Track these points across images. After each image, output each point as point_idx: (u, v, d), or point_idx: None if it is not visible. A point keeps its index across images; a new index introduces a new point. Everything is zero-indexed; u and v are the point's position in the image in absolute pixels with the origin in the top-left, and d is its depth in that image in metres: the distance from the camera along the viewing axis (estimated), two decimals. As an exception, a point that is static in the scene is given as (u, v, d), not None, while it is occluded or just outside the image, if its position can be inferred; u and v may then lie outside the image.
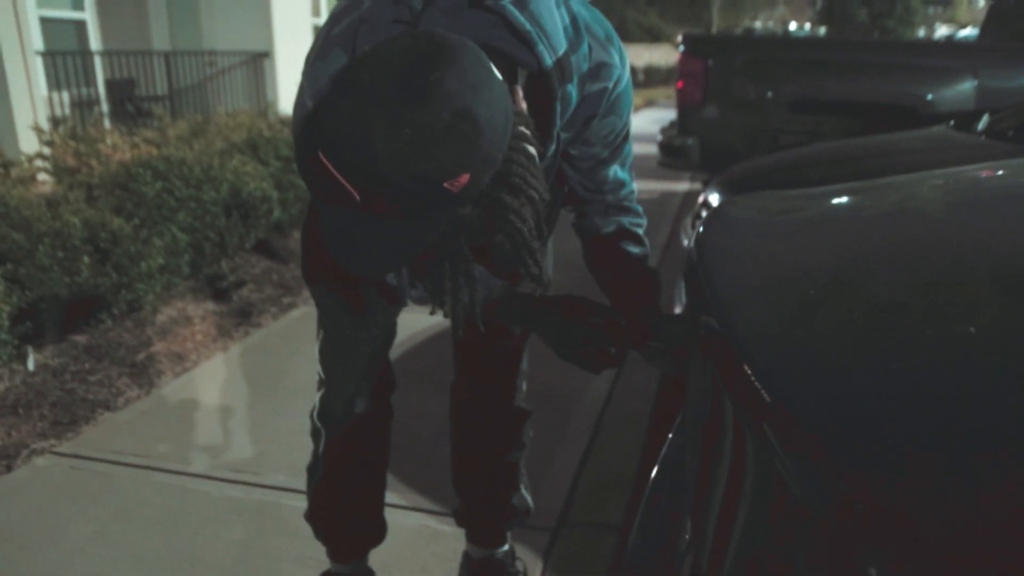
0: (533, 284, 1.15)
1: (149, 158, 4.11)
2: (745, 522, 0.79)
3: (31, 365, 2.94)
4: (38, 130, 4.90)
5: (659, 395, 2.80)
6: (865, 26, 25.51)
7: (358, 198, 0.88)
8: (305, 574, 1.84)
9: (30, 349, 2.98)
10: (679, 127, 4.79)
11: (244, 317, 3.63)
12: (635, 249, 1.37)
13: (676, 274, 2.21)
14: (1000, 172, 1.53)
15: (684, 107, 4.70)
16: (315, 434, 1.57)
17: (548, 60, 1.04)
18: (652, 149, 5.15)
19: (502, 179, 0.94)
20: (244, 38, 9.47)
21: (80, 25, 8.83)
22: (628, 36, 28.17)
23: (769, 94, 4.35)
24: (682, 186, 6.95)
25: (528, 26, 1.02)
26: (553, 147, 1.16)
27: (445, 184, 0.86)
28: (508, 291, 1.34)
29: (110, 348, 3.15)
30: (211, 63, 9.09)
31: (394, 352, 1.55)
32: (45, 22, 8.15)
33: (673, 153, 4.78)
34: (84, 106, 7.44)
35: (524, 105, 1.04)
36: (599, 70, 1.14)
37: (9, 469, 2.32)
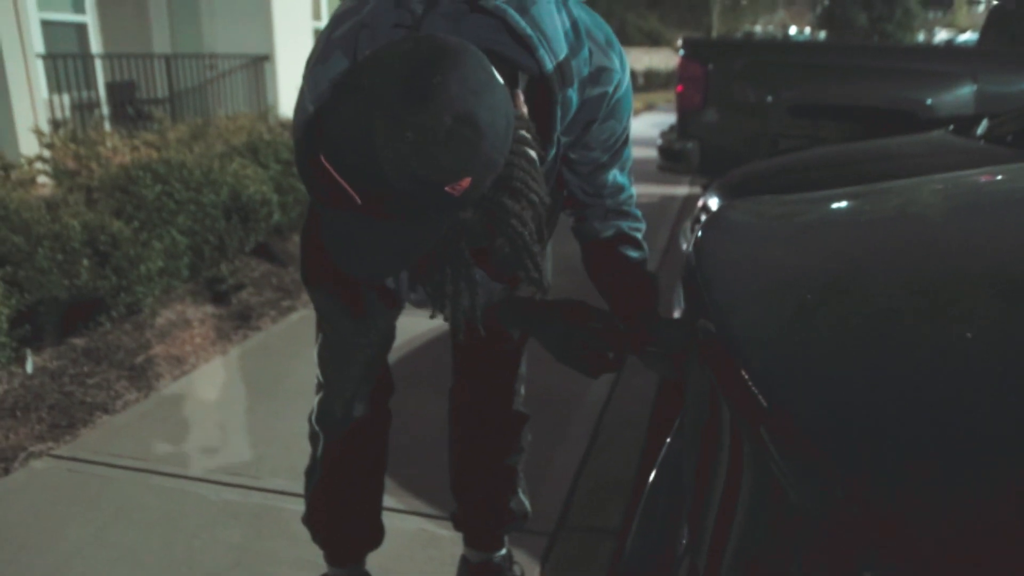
0: (532, 288, 1.15)
1: (149, 161, 4.12)
2: (742, 526, 0.79)
3: (29, 368, 2.93)
4: (38, 133, 4.90)
5: (658, 399, 2.80)
6: (865, 30, 25.58)
7: (359, 201, 0.88)
8: (303, 577, 1.84)
9: (29, 352, 2.98)
10: (679, 131, 4.80)
11: (243, 320, 3.62)
12: (634, 253, 1.37)
13: (675, 278, 2.21)
14: (999, 177, 1.54)
15: (684, 111, 4.71)
16: (313, 438, 1.57)
17: (549, 64, 1.04)
18: (652, 153, 5.16)
19: (503, 183, 0.94)
20: (245, 41, 9.48)
21: (81, 28, 8.84)
22: (628, 40, 28.21)
23: (769, 98, 4.36)
24: (681, 190, 6.96)
25: (529, 30, 1.02)
26: (553, 151, 1.16)
27: (446, 188, 0.86)
28: (507, 295, 1.34)
29: (109, 351, 3.15)
30: (212, 66, 9.10)
31: (393, 356, 1.55)
32: (46, 25, 8.16)
33: (673, 157, 4.78)
34: (84, 109, 7.44)
35: (525, 109, 1.04)
36: (599, 74, 1.14)
37: (7, 472, 2.32)
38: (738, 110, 4.50)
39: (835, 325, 0.90)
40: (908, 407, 0.70)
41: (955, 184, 1.51)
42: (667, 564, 1.12)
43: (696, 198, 5.44)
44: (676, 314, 2.47)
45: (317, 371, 1.51)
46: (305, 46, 9.42)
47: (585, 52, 1.11)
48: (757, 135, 4.38)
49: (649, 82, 24.40)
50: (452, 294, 1.06)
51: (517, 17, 1.02)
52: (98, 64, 8.26)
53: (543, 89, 1.07)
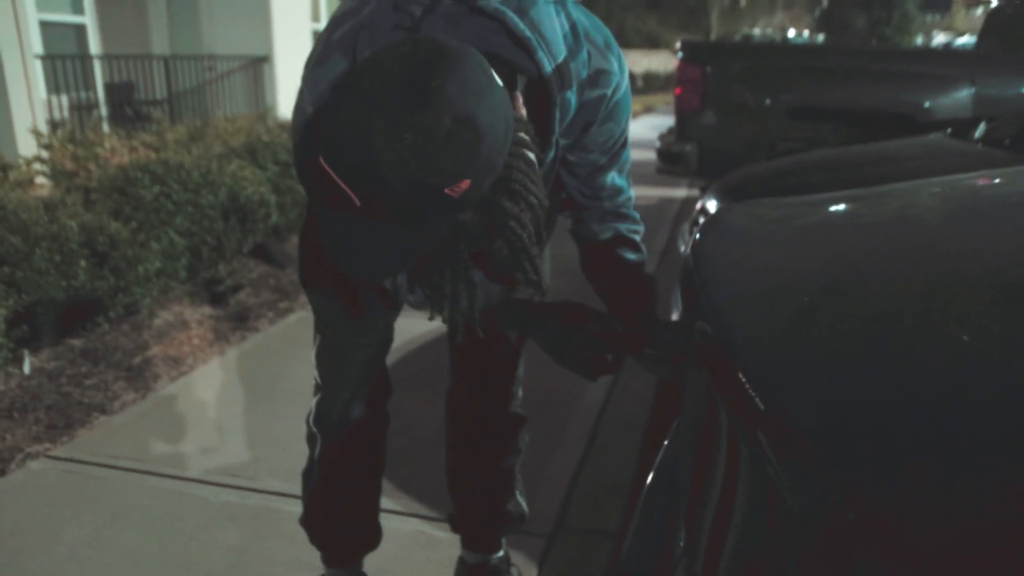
0: (531, 290, 1.16)
1: (147, 162, 4.11)
2: (739, 529, 0.79)
3: (27, 368, 2.93)
4: (36, 133, 4.90)
5: (656, 401, 2.80)
6: (863, 33, 25.62)
7: (358, 203, 0.88)
8: (300, 579, 1.84)
9: (26, 352, 2.98)
10: (677, 133, 4.80)
11: (241, 321, 3.62)
12: (632, 255, 1.37)
13: (673, 281, 2.21)
14: (996, 180, 1.54)
15: (682, 114, 4.71)
16: (311, 439, 1.57)
17: (548, 67, 1.04)
18: (650, 155, 5.16)
19: (502, 185, 0.94)
20: (243, 42, 9.49)
21: (80, 29, 8.84)
22: (627, 42, 28.24)
23: (767, 101, 4.37)
24: (680, 192, 6.97)
25: (528, 33, 1.03)
26: (552, 153, 1.16)
27: (446, 190, 0.86)
28: (506, 297, 1.34)
29: (106, 352, 3.15)
30: (210, 67, 9.10)
31: (390, 357, 1.55)
32: (45, 26, 8.16)
33: (671, 159, 4.79)
34: (83, 110, 7.44)
35: (524, 111, 1.05)
36: (598, 77, 1.14)
37: (3, 473, 2.32)
38: (736, 113, 4.50)
39: (832, 328, 0.90)
40: (905, 410, 0.70)
41: (952, 187, 1.51)
42: (664, 566, 1.12)
43: (694, 200, 5.44)
44: (674, 316, 2.47)
45: (315, 372, 1.51)
46: (304, 47, 9.43)
47: (584, 54, 1.11)
48: (755, 138, 4.39)
49: (648, 84, 24.44)
50: (451, 295, 1.06)
51: (516, 19, 1.02)
52: (97, 65, 8.26)
53: (542, 91, 1.07)
